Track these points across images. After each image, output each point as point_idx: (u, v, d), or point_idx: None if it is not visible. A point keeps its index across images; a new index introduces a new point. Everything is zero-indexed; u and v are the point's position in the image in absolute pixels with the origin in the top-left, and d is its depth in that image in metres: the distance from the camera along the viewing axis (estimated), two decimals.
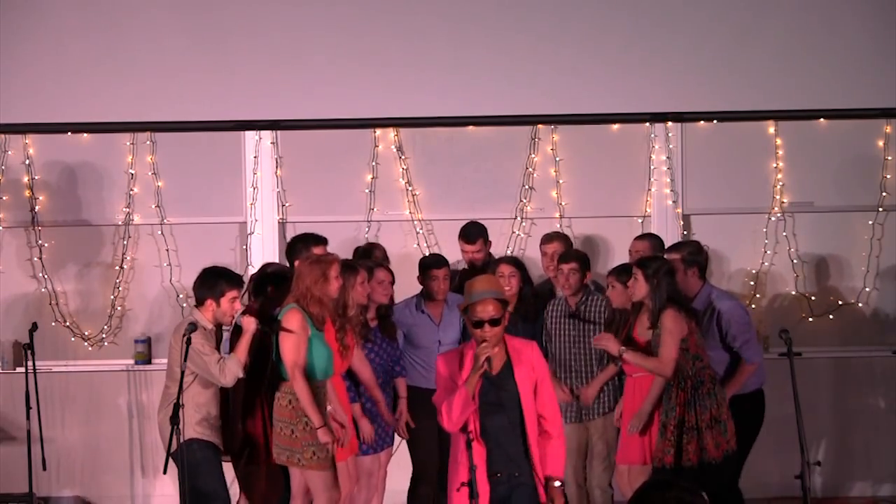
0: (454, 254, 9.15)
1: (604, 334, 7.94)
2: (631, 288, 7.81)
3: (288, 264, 8.19)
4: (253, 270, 9.02)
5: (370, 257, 8.65)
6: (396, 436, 8.35)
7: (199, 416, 7.41)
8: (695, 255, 8.18)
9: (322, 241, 8.15)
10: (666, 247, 8.75)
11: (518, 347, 6.57)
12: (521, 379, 6.49)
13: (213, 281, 7.52)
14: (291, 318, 7.39)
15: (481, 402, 6.45)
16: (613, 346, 7.81)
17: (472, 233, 8.97)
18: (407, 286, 8.76)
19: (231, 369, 7.35)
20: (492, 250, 9.35)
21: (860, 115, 9.73)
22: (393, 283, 8.32)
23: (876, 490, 9.86)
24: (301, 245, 8.14)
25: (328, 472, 7.38)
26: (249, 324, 7.42)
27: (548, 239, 8.93)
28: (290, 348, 7.36)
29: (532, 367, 6.51)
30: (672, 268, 7.81)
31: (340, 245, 9.26)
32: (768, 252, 9.87)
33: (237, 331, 7.65)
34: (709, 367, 7.66)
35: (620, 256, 8.68)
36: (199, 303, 7.54)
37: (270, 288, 7.82)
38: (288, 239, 8.83)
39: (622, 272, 7.99)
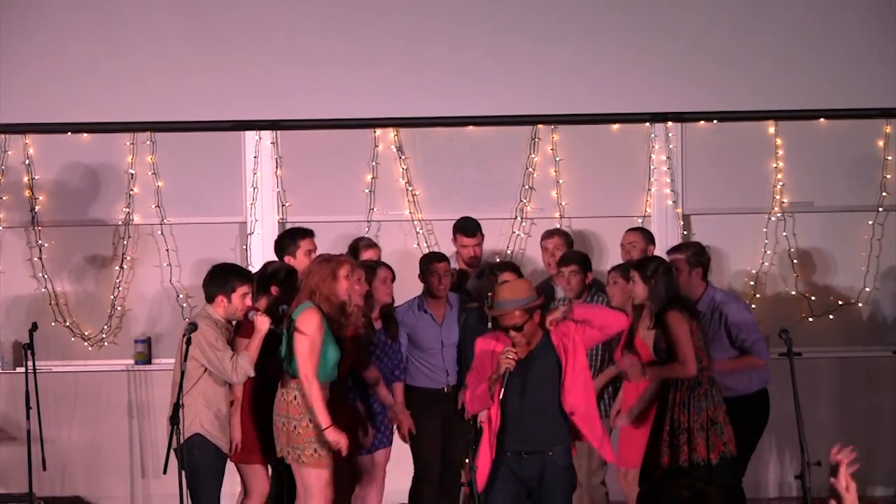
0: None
1: (628, 358, 7.71)
2: (630, 290, 7.79)
3: (278, 260, 8.21)
4: (253, 270, 9.02)
5: (357, 252, 8.60)
6: (396, 436, 8.35)
7: (211, 412, 7.37)
8: (698, 255, 8.17)
9: (308, 233, 8.18)
10: (658, 244, 8.87)
11: (570, 330, 6.74)
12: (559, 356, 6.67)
13: (224, 277, 7.50)
14: (310, 319, 7.34)
15: (512, 382, 6.61)
16: (636, 372, 7.62)
17: (471, 226, 8.90)
18: (407, 286, 8.77)
19: (243, 367, 7.32)
20: (492, 250, 9.35)
21: (860, 115, 9.73)
22: (393, 280, 8.31)
23: (876, 490, 9.86)
24: (288, 240, 8.19)
25: (327, 470, 7.38)
26: (263, 323, 7.38)
27: (548, 234, 8.94)
28: (306, 348, 7.32)
29: (569, 342, 6.70)
30: (669, 267, 7.79)
31: (344, 246, 9.27)
32: (768, 252, 9.86)
33: (238, 328, 7.64)
34: (708, 369, 7.64)
35: (620, 256, 8.68)
36: (210, 300, 7.49)
37: (273, 287, 7.82)
38: None
39: (626, 270, 7.97)
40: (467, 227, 8.90)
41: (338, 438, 7.29)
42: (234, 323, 7.61)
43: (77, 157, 9.77)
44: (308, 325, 7.31)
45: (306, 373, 7.29)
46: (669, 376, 7.59)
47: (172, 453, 7.11)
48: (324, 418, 7.29)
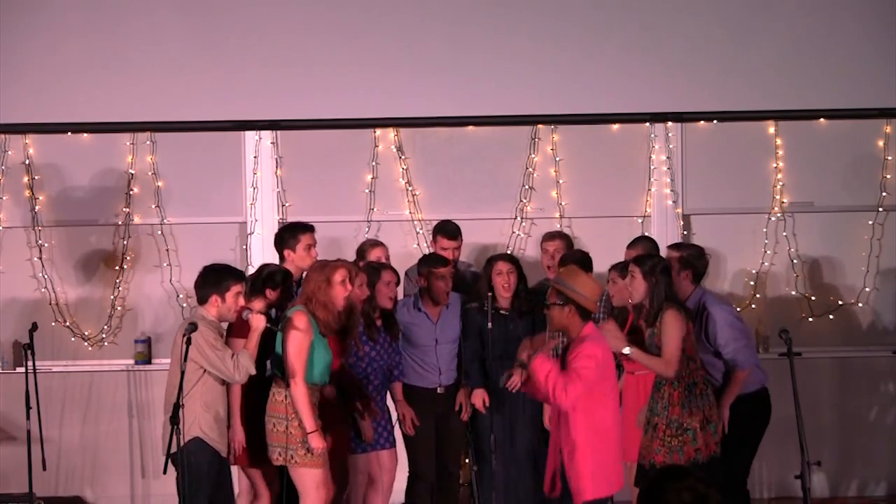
0: None
1: (609, 325, 7.57)
2: (629, 287, 7.75)
3: (277, 254, 8.21)
4: (253, 271, 9.02)
5: (365, 254, 8.60)
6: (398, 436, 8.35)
7: (209, 415, 7.34)
8: (693, 258, 8.04)
9: (309, 228, 8.18)
10: (658, 245, 8.80)
11: (578, 342, 6.78)
12: (538, 360, 6.71)
13: (218, 277, 7.47)
14: (297, 321, 7.38)
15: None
16: (619, 343, 7.51)
17: (453, 228, 8.89)
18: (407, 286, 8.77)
19: (245, 365, 7.30)
20: (492, 250, 9.34)
21: (860, 115, 9.73)
22: (398, 284, 8.30)
23: (876, 490, 9.86)
24: (288, 234, 8.19)
25: (321, 469, 7.38)
26: (259, 321, 7.38)
27: (550, 237, 8.94)
28: (294, 349, 7.35)
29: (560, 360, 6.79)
30: (668, 266, 7.76)
31: (343, 245, 9.28)
32: (768, 252, 9.87)
33: (230, 329, 7.63)
34: (701, 369, 7.61)
35: (620, 257, 8.67)
36: (203, 300, 7.45)
37: (268, 289, 7.81)
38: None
39: (624, 268, 7.93)
40: (449, 230, 8.88)
41: (318, 445, 7.30)
42: (224, 325, 7.61)
43: (77, 157, 9.77)
44: (295, 328, 7.34)
45: (293, 374, 7.31)
46: (647, 365, 7.54)
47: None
48: (308, 422, 7.31)
